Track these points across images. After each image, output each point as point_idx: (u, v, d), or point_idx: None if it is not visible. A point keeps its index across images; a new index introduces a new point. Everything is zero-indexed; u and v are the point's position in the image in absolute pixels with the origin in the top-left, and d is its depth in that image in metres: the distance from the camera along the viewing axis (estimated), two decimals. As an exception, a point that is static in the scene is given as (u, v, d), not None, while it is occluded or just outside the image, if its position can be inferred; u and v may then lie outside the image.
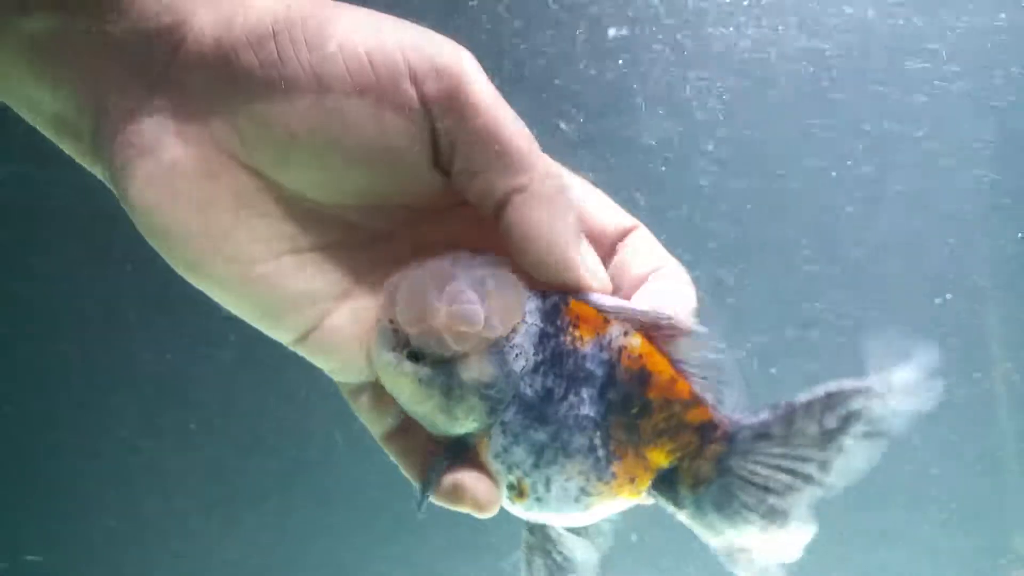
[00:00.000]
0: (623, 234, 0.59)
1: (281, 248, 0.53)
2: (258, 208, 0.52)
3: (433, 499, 0.57)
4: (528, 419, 0.54)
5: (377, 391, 0.57)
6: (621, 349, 0.54)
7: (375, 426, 0.59)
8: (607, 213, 0.59)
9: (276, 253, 0.53)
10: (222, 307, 0.54)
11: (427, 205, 0.57)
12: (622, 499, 0.56)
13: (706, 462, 0.55)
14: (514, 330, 0.54)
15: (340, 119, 0.51)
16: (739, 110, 1.48)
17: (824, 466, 0.53)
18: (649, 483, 0.56)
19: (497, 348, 0.54)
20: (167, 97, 0.50)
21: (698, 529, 0.56)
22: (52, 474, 1.67)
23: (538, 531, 0.59)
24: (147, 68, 0.50)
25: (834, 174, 1.49)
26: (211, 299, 0.54)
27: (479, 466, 0.57)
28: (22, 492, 1.68)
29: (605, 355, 0.54)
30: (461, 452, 0.56)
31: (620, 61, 1.48)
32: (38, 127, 0.54)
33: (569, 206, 0.54)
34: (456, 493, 0.56)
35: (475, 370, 0.54)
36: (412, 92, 0.51)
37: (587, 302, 0.54)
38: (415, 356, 0.54)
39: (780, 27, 1.45)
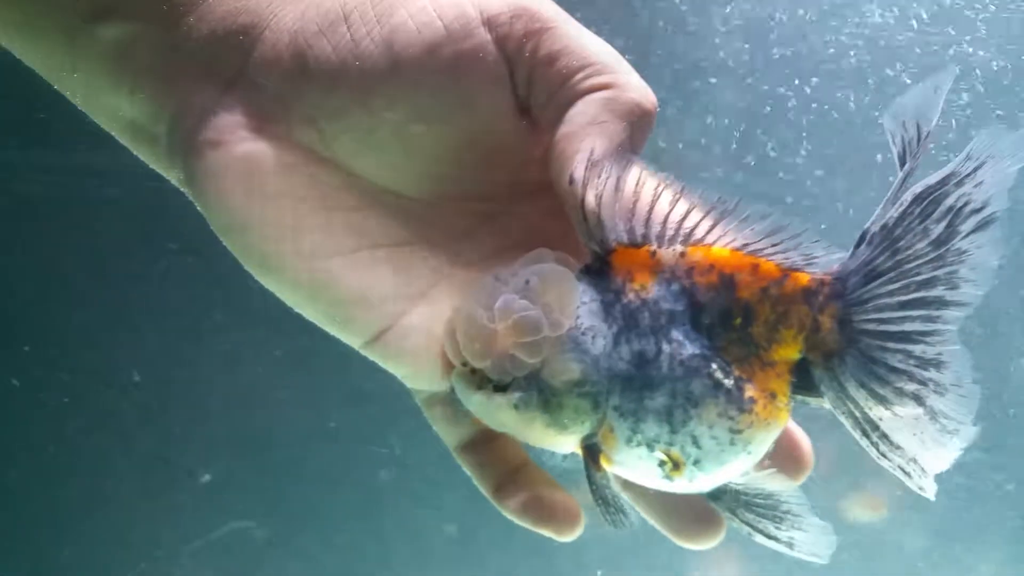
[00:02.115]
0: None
1: (356, 244, 0.52)
2: (334, 202, 0.52)
3: (514, 518, 0.54)
4: (637, 392, 0.50)
5: (452, 402, 0.55)
6: (688, 271, 0.50)
7: (450, 438, 0.57)
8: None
9: (351, 249, 0.52)
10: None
11: (509, 180, 0.55)
12: (773, 422, 0.51)
13: (828, 331, 0.49)
14: (577, 316, 0.51)
15: (417, 85, 0.51)
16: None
17: (951, 281, 0.47)
18: (789, 390, 0.50)
19: (570, 341, 0.51)
20: (243, 95, 0.51)
21: (850, 423, 0.50)
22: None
23: (722, 495, 0.54)
24: (222, 69, 0.51)
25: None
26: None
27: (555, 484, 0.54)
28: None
29: (676, 286, 0.50)
30: (596, 458, 0.52)
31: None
32: (115, 135, 0.55)
33: (629, 124, 0.50)
34: (537, 512, 0.53)
35: (561, 372, 0.50)
36: (487, 35, 0.50)
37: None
38: (501, 387, 0.51)
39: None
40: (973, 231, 0.47)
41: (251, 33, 0.51)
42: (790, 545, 0.53)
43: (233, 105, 0.51)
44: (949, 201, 0.47)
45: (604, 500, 0.52)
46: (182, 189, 0.54)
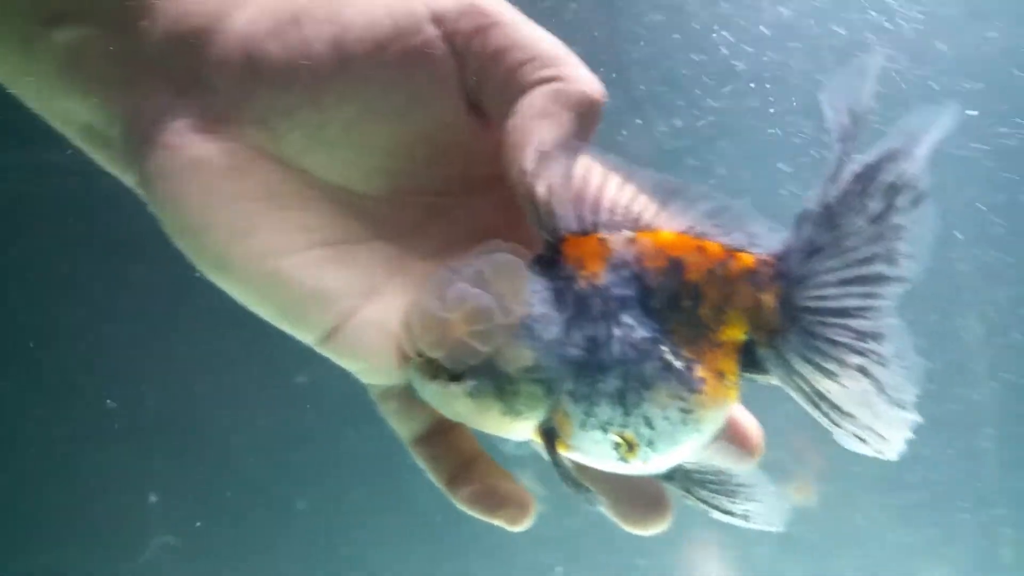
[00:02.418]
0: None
1: (308, 241, 0.52)
2: (286, 200, 0.52)
3: (465, 508, 0.55)
4: (590, 376, 0.51)
5: (406, 396, 0.55)
6: (638, 256, 0.51)
7: (404, 431, 0.57)
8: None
9: (303, 246, 0.52)
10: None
11: (460, 175, 0.55)
12: (723, 400, 0.52)
13: (771, 311, 0.51)
14: (530, 303, 0.52)
15: (367, 81, 0.51)
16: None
17: (890, 257, 0.48)
18: (738, 369, 0.52)
19: (523, 328, 0.51)
20: (195, 98, 0.51)
21: (800, 396, 0.51)
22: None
23: (675, 474, 0.55)
24: (174, 72, 0.52)
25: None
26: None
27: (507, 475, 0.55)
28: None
29: (626, 272, 0.51)
30: (554, 442, 0.53)
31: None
32: (70, 137, 0.55)
33: (577, 115, 0.51)
34: (488, 501, 0.54)
35: (514, 359, 0.51)
36: (435, 31, 0.51)
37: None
38: (456, 376, 0.52)
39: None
40: (909, 207, 0.48)
41: (202, 36, 0.51)
42: (746, 518, 0.54)
43: (185, 108, 0.51)
44: (886, 178, 0.48)
45: (572, 482, 0.53)
46: (137, 191, 0.54)
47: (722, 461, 0.55)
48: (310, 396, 1.71)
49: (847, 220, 0.49)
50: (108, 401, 1.72)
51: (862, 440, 0.50)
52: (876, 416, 0.49)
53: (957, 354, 1.67)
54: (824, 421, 0.51)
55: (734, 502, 0.54)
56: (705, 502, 0.55)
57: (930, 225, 0.48)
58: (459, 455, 0.56)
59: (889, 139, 0.48)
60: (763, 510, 0.54)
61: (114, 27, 0.51)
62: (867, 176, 0.48)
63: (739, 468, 0.55)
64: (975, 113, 1.48)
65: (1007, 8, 1.57)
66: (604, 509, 0.55)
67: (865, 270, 0.49)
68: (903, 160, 0.48)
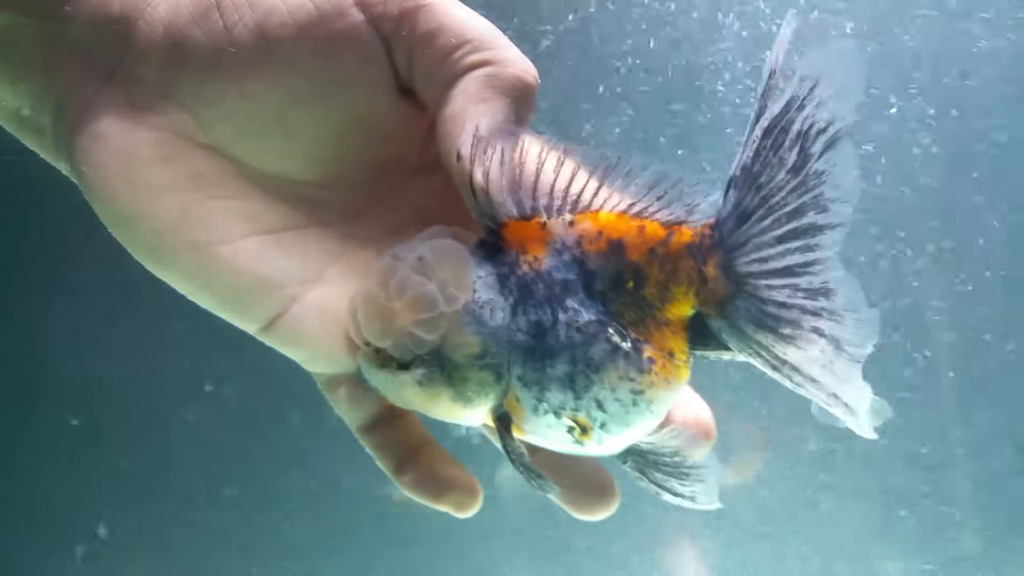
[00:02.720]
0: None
1: (243, 230, 0.52)
2: (218, 189, 0.52)
3: (411, 494, 0.55)
4: (538, 361, 0.51)
5: (352, 384, 0.55)
6: (579, 240, 0.51)
7: (351, 419, 0.57)
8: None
9: (238, 235, 0.52)
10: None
11: (396, 160, 0.55)
12: (674, 379, 0.52)
13: (715, 280, 0.50)
14: (474, 289, 0.51)
15: (292, 67, 0.51)
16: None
17: (818, 203, 0.48)
18: (687, 346, 0.52)
19: (468, 314, 0.51)
20: (121, 86, 0.51)
21: (759, 362, 0.50)
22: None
23: (631, 455, 0.55)
24: (100, 60, 0.51)
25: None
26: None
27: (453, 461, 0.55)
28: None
29: (567, 256, 0.51)
30: (509, 428, 0.53)
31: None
32: (3, 124, 0.55)
33: (512, 99, 0.50)
34: (433, 487, 0.54)
35: (461, 346, 0.51)
36: (359, 15, 0.50)
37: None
38: (405, 365, 0.52)
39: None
40: (824, 150, 0.47)
41: (126, 23, 0.51)
42: (692, 499, 0.55)
43: (111, 97, 0.51)
44: (796, 127, 0.47)
45: (526, 468, 0.52)
46: (71, 178, 0.53)
47: (676, 438, 0.55)
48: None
49: (768, 177, 0.48)
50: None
51: (829, 408, 0.50)
52: (839, 379, 0.48)
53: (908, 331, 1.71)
54: (788, 384, 0.50)
55: (684, 484, 0.54)
56: (658, 484, 0.55)
57: (851, 164, 0.47)
58: (407, 442, 0.56)
59: (789, 87, 0.47)
60: (707, 490, 0.54)
61: (37, 12, 0.50)
62: (775, 129, 0.48)
63: (694, 452, 0.55)
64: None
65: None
66: (555, 497, 0.55)
67: (797, 223, 0.48)
68: (808, 104, 0.47)
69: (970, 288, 1.67)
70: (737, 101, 1.60)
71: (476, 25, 0.51)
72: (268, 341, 0.53)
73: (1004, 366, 1.69)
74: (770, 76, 0.48)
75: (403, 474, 0.55)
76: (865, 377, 0.49)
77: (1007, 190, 1.65)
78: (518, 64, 0.51)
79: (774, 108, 0.48)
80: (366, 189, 0.55)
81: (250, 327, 0.53)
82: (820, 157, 0.47)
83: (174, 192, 0.51)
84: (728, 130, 1.61)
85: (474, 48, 0.50)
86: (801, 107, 0.47)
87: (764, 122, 0.48)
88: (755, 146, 0.48)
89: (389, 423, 0.56)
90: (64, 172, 0.54)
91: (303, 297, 0.52)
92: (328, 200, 0.54)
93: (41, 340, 1.73)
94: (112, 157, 0.50)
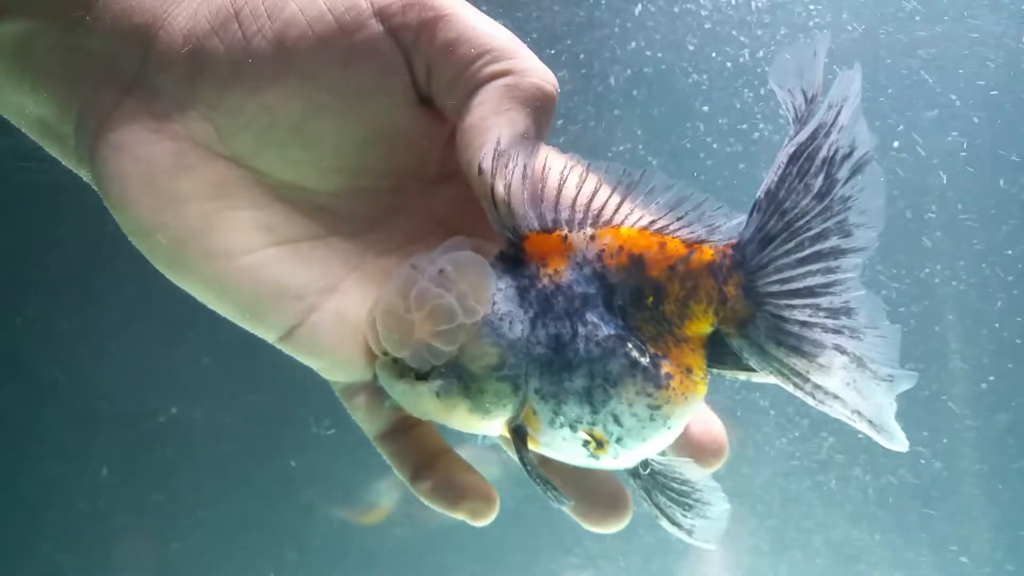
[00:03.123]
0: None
1: (263, 240, 0.52)
2: (238, 200, 0.52)
3: (428, 502, 0.55)
4: (556, 374, 0.51)
5: (371, 392, 0.55)
6: (599, 254, 0.51)
7: (369, 427, 0.57)
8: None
9: (258, 246, 0.52)
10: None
11: (414, 170, 0.55)
12: (691, 395, 0.52)
13: (735, 300, 0.50)
14: (493, 302, 0.51)
15: (311, 78, 0.51)
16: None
17: (843, 228, 0.48)
18: (704, 363, 0.52)
19: (487, 326, 0.51)
20: (141, 96, 0.51)
21: (781, 380, 0.50)
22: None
23: (642, 472, 0.55)
24: (121, 70, 0.52)
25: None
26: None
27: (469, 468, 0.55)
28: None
29: (588, 270, 0.51)
30: (524, 440, 0.53)
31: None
32: (27, 132, 0.55)
33: (533, 110, 0.50)
34: (450, 494, 0.54)
35: (479, 357, 0.51)
36: (379, 26, 0.50)
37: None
38: (423, 375, 0.52)
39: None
40: (851, 176, 0.48)
41: (146, 33, 0.51)
42: (690, 532, 0.54)
43: (133, 107, 0.51)
44: (822, 153, 0.48)
45: (541, 479, 0.52)
46: (94, 187, 0.54)
47: (688, 467, 0.55)
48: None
49: (793, 201, 0.48)
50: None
51: (853, 424, 0.50)
52: (861, 396, 0.49)
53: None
54: (811, 401, 0.50)
55: (686, 515, 0.54)
56: (660, 508, 0.55)
57: (877, 190, 0.48)
58: (424, 451, 0.56)
59: (819, 112, 0.48)
60: (706, 527, 0.54)
61: (57, 21, 0.51)
62: (801, 155, 0.48)
63: (703, 472, 0.55)
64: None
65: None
66: (568, 510, 0.55)
67: (820, 246, 0.48)
68: (834, 131, 0.47)
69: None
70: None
71: (496, 35, 0.51)
72: (287, 350, 0.54)
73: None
74: (810, 100, 0.48)
75: (421, 482, 0.55)
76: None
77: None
78: (537, 73, 0.51)
79: (801, 134, 0.48)
80: (385, 199, 0.55)
81: (269, 336, 0.53)
82: (846, 183, 0.48)
83: (194, 202, 0.51)
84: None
85: (494, 58, 0.50)
86: (828, 133, 0.48)
87: (791, 148, 0.48)
88: (780, 172, 0.48)
89: (406, 431, 0.56)
90: (86, 180, 0.54)
91: (321, 307, 0.53)
92: (347, 210, 0.54)
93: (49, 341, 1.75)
94: (133, 167, 0.50)
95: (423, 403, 0.52)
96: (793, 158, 0.48)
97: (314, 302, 0.53)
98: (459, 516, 0.54)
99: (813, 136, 0.48)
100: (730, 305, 0.50)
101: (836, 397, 0.49)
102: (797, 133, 0.48)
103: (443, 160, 0.55)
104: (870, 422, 0.49)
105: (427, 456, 0.56)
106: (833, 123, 0.47)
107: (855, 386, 0.49)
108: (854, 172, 0.48)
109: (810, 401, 0.50)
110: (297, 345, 0.53)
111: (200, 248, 0.51)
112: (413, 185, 0.56)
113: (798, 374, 0.49)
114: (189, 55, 0.50)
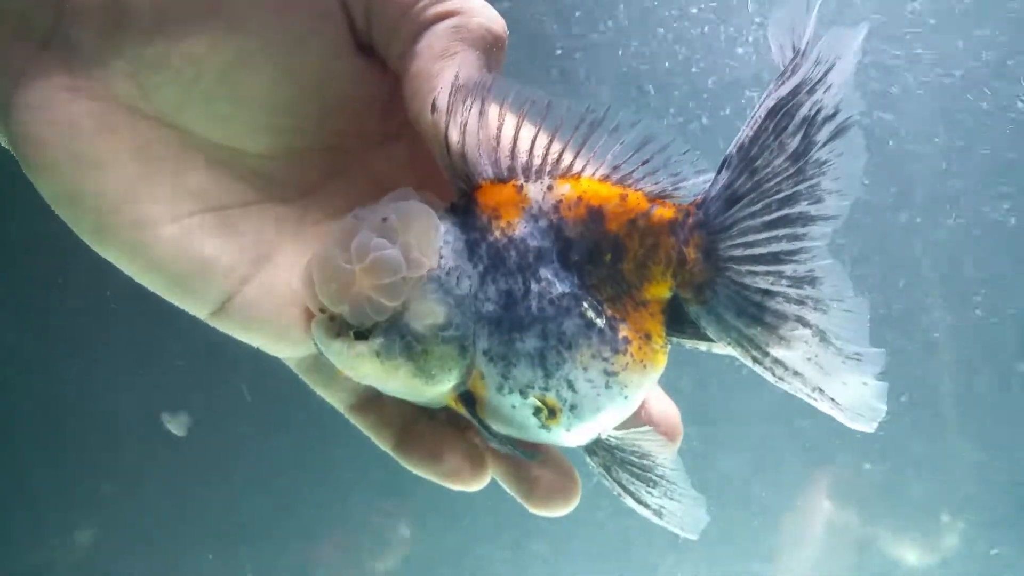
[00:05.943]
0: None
1: (190, 207, 0.48)
2: (164, 163, 0.48)
3: (417, 471, 0.52)
4: (507, 333, 0.47)
5: (330, 366, 0.51)
6: (556, 205, 0.47)
7: (336, 400, 0.53)
8: None
9: (184, 213, 0.48)
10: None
11: (355, 129, 0.51)
12: (649, 364, 0.48)
13: (695, 263, 0.47)
14: (441, 255, 0.48)
15: (239, 24, 0.47)
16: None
17: (813, 194, 0.45)
18: (664, 330, 0.48)
19: (433, 281, 0.48)
20: (58, 52, 0.47)
21: (740, 352, 0.47)
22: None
23: (599, 448, 0.51)
24: (35, 25, 0.47)
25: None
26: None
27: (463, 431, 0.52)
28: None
29: (543, 222, 0.47)
30: (474, 407, 0.49)
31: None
32: None
33: (483, 51, 0.47)
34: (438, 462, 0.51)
35: (424, 315, 0.47)
36: None
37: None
38: (362, 334, 0.48)
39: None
40: (830, 139, 0.44)
41: None
42: (659, 514, 0.51)
43: (49, 64, 0.47)
44: (803, 111, 0.44)
45: (502, 438, 0.49)
46: (13, 153, 0.49)
47: (647, 439, 0.51)
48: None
49: (765, 160, 0.45)
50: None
51: (815, 403, 0.47)
52: (824, 373, 0.46)
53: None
54: (769, 377, 0.47)
55: (651, 494, 0.51)
56: (622, 485, 0.51)
57: (857, 157, 0.44)
58: (401, 417, 0.52)
59: (804, 68, 0.44)
60: (679, 511, 0.51)
61: None
62: (782, 111, 0.45)
63: (661, 453, 0.51)
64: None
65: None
66: (512, 492, 0.53)
67: (788, 210, 0.45)
68: (819, 89, 0.44)
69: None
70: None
71: None
72: (221, 327, 0.49)
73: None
74: (797, 54, 0.45)
75: (405, 452, 0.52)
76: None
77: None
78: (484, 13, 0.48)
79: (782, 90, 0.44)
80: (323, 161, 0.51)
81: (201, 312, 0.49)
82: (824, 146, 0.44)
83: (118, 167, 0.47)
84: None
85: None
86: (812, 91, 0.44)
87: (769, 102, 0.45)
88: (756, 127, 0.45)
89: (379, 399, 0.52)
90: (6, 146, 0.50)
91: (255, 278, 0.48)
92: (283, 174, 0.51)
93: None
94: (52, 130, 0.46)
95: (361, 364, 0.48)
96: (771, 113, 0.45)
97: (246, 273, 0.48)
98: (448, 484, 0.51)
99: (795, 92, 0.44)
100: (689, 268, 0.47)
101: (796, 373, 0.46)
102: (779, 87, 0.45)
103: (385, 118, 0.51)
104: (832, 400, 0.46)
105: (405, 422, 0.52)
106: (820, 81, 0.44)
107: (817, 362, 0.46)
108: (834, 135, 0.44)
109: (769, 377, 0.47)
110: (231, 320, 0.49)
111: (124, 217, 0.47)
112: (353, 145, 0.52)
113: (757, 346, 0.46)
114: (108, 3, 0.46)
